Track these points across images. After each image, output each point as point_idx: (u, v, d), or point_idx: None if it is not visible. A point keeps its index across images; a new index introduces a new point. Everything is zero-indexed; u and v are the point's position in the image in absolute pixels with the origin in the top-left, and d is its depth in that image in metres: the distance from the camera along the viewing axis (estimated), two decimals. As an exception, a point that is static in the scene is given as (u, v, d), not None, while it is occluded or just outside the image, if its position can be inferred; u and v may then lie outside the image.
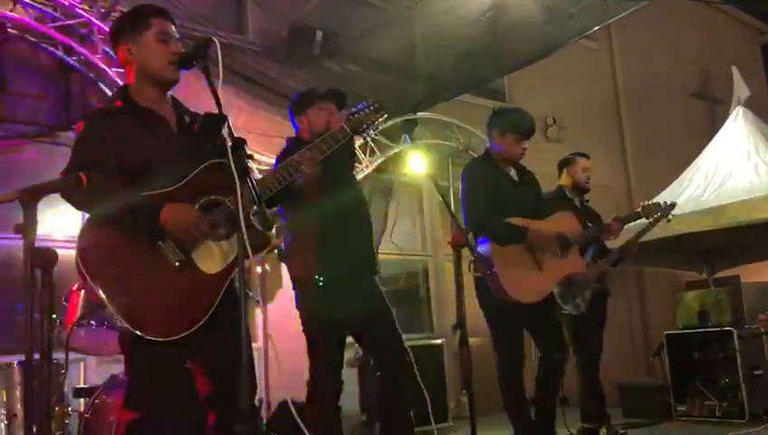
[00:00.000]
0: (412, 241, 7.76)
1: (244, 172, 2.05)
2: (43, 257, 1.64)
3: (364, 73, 6.64)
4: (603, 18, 6.10)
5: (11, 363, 3.65)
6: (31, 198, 1.69)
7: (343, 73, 6.63)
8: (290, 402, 2.25)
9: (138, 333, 2.09)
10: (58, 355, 3.83)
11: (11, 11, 4.92)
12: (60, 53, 5.21)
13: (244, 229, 2.00)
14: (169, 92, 2.49)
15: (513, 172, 3.93)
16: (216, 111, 2.17)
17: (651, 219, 4.57)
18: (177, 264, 2.19)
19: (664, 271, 8.77)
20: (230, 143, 2.07)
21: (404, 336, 3.37)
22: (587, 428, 4.57)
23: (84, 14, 5.22)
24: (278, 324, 5.67)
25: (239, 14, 6.88)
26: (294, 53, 6.50)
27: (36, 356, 1.89)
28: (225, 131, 2.12)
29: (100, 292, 2.04)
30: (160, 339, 2.11)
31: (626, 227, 4.46)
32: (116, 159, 2.27)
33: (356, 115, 2.75)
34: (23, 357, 3.59)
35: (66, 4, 5.14)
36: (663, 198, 6.90)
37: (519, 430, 3.77)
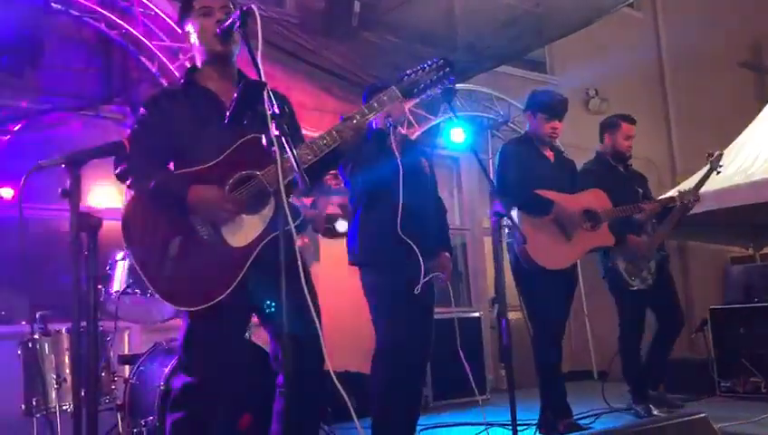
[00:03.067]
0: (450, 215, 7.68)
1: (285, 139, 2.04)
2: (89, 222, 1.67)
3: (403, 44, 6.56)
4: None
5: (60, 330, 3.75)
6: (76, 163, 1.71)
7: (382, 45, 6.57)
8: (332, 372, 2.23)
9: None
10: (104, 323, 3.94)
11: (55, -15, 4.97)
12: (102, 26, 5.27)
13: (285, 200, 2.02)
14: (234, 70, 2.51)
15: (549, 153, 4.10)
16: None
17: (706, 172, 4.52)
18: (205, 237, 2.25)
19: (708, 246, 8.58)
20: (270, 111, 2.07)
21: (444, 310, 3.43)
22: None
23: (125, -13, 5.27)
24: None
25: (276, -15, 6.85)
26: (332, 25, 6.46)
27: (83, 323, 1.94)
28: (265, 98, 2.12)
29: (134, 261, 2.17)
30: (187, 308, 2.22)
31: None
32: (167, 141, 2.38)
33: (410, 75, 2.55)
34: (70, 324, 3.73)
35: (107, -22, 5.19)
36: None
37: (547, 402, 3.91)
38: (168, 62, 5.38)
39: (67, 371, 3.73)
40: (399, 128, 3.48)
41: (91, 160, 1.77)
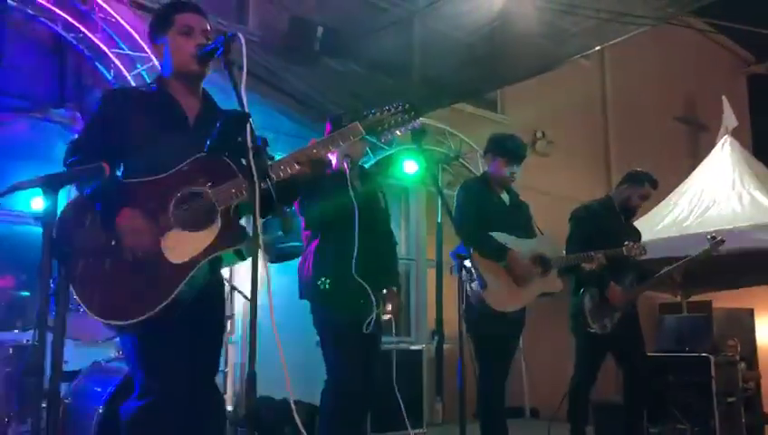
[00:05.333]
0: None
1: (262, 171, 2.03)
2: (61, 250, 1.60)
3: (363, 73, 6.61)
4: (602, 40, 6.15)
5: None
6: (53, 186, 1.65)
7: (343, 72, 6.59)
8: (291, 400, 2.21)
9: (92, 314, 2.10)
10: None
11: (11, -18, 4.81)
12: (58, 28, 5.11)
13: (260, 228, 2.01)
14: (200, 88, 2.50)
15: (505, 196, 4.18)
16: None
17: (702, 253, 4.60)
18: (140, 253, 2.17)
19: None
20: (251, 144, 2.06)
21: (384, 340, 3.46)
22: None
23: (86, -10, 5.14)
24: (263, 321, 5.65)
25: (241, 3, 6.80)
26: (294, 48, 6.44)
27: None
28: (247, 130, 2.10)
29: (64, 272, 2.04)
30: (113, 323, 2.14)
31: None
32: (122, 138, 2.30)
33: (375, 114, 2.53)
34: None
35: (68, -21, 5.05)
36: (647, 219, 7.04)
37: None
38: (124, 70, 5.26)
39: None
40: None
41: (68, 184, 1.70)
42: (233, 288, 4.42)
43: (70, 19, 5.11)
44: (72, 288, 2.08)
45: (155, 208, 2.23)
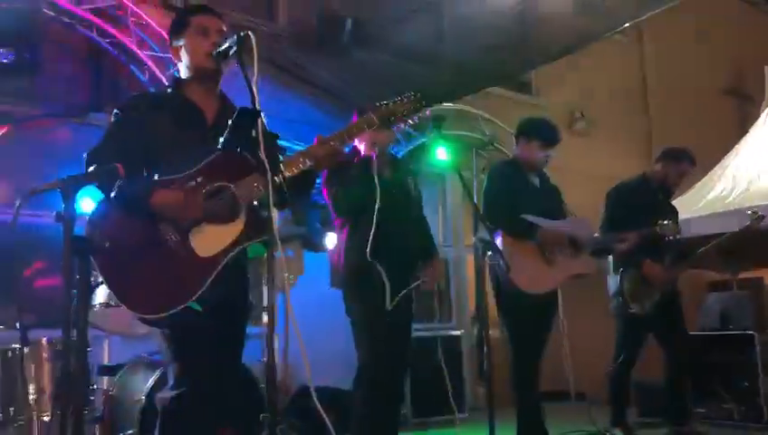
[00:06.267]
0: (434, 232, 7.74)
1: (274, 164, 2.09)
2: (81, 247, 1.69)
3: (392, 62, 6.62)
4: (637, 13, 6.01)
5: (40, 340, 3.75)
6: (71, 188, 1.73)
7: (372, 62, 6.62)
8: (312, 388, 2.27)
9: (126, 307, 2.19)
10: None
11: (47, -8, 4.98)
12: (93, 34, 5.28)
13: (274, 217, 2.07)
14: (217, 89, 2.58)
15: (536, 180, 4.16)
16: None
17: (744, 228, 4.55)
18: (171, 245, 2.24)
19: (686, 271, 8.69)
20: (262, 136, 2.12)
21: (424, 326, 3.50)
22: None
23: (118, -4, 5.29)
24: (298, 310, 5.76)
25: (270, 0, 6.89)
26: (323, 41, 6.51)
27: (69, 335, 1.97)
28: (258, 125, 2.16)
29: (97, 265, 2.13)
30: (147, 316, 2.22)
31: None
32: (142, 144, 2.38)
33: (387, 105, 2.65)
34: (52, 334, 3.71)
35: (101, -14, 5.21)
36: (689, 197, 6.89)
37: (524, 424, 3.97)
38: (158, 72, 5.40)
39: (46, 381, 3.72)
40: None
41: (85, 185, 1.78)
42: (270, 280, 4.51)
43: (104, 25, 5.26)
44: (105, 281, 2.19)
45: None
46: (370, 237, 3.30)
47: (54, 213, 1.73)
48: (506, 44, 6.31)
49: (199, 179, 2.31)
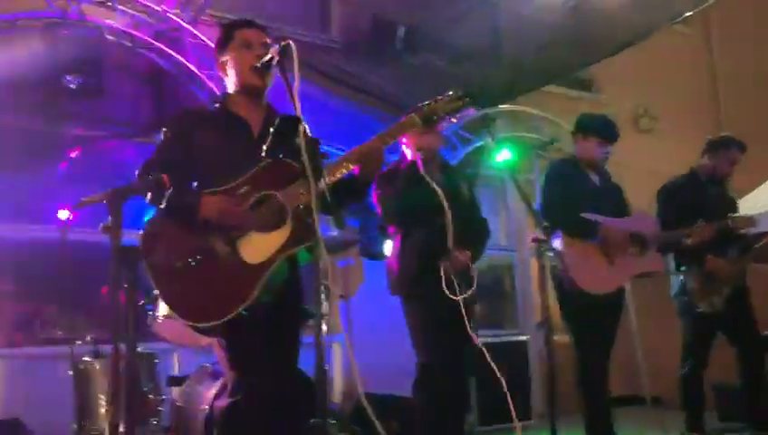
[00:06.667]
0: (496, 236, 7.67)
1: (316, 170, 2.10)
2: (129, 257, 1.73)
3: (447, 66, 6.59)
4: (698, 2, 5.79)
5: (111, 353, 3.86)
6: (117, 200, 1.78)
7: (426, 67, 6.60)
8: (362, 396, 2.25)
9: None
10: (151, 345, 4.05)
11: (108, 19, 5.18)
12: (154, 56, 5.45)
13: (317, 222, 2.08)
14: (263, 101, 2.61)
15: (596, 178, 4.03)
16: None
17: None
18: (220, 254, 2.27)
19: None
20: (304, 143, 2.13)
21: (489, 332, 3.43)
22: None
23: (175, 18, 5.44)
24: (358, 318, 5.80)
25: (323, 11, 6.97)
26: (376, 49, 6.53)
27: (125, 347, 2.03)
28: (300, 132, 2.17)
29: (150, 277, 2.19)
30: (197, 325, 2.26)
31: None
32: (190, 158, 2.44)
33: (429, 104, 2.61)
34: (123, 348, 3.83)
35: (159, 10, 5.37)
36: (762, 193, 6.56)
37: (592, 430, 3.83)
38: (217, 90, 5.52)
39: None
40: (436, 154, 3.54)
41: (131, 196, 1.83)
42: (325, 287, 4.53)
43: (163, 47, 5.43)
44: (157, 291, 2.25)
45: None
46: (426, 244, 3.27)
47: (101, 226, 1.77)
48: (560, 41, 6.19)
49: (246, 189, 2.35)
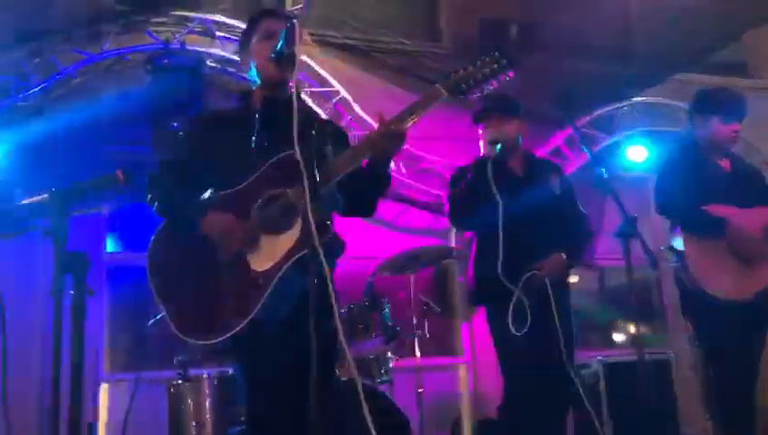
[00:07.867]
0: (637, 243, 6.89)
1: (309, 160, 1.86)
2: (75, 263, 1.57)
3: (568, 64, 6.09)
4: None
5: (200, 375, 3.83)
6: (59, 201, 1.63)
7: (543, 67, 6.14)
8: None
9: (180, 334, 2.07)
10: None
11: (210, 47, 5.31)
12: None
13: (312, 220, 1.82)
14: (286, 92, 2.37)
15: (724, 163, 3.48)
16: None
17: None
18: (225, 263, 2.10)
19: None
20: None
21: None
22: None
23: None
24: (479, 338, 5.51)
25: (431, 17, 6.74)
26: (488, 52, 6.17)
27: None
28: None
29: (154, 291, 2.07)
30: (200, 342, 2.08)
31: None
32: (200, 161, 2.33)
33: (458, 72, 2.20)
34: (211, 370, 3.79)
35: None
36: None
37: None
38: (316, 108, 5.46)
39: (207, 416, 3.78)
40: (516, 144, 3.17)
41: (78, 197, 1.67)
42: (425, 304, 4.25)
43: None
44: (162, 307, 2.11)
45: (237, 216, 2.17)
46: (500, 250, 2.88)
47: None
48: (701, 15, 5.45)
49: (254, 190, 2.18)
